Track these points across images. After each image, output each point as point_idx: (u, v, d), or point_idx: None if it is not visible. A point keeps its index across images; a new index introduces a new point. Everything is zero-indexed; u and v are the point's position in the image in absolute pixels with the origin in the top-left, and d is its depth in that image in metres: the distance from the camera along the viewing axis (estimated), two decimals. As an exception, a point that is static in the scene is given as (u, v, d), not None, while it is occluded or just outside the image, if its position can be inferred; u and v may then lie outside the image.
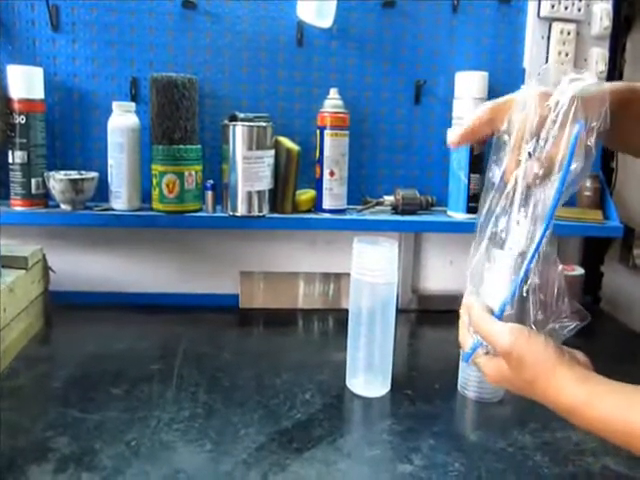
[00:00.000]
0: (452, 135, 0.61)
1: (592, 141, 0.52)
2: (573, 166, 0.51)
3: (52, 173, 1.12)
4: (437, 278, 1.32)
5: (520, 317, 0.54)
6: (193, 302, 1.24)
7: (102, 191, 1.15)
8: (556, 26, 1.23)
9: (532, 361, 0.52)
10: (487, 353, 0.56)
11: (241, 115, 1.12)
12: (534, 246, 0.53)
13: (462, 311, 0.59)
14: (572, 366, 0.51)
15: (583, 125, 0.51)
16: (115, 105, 1.13)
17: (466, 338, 0.58)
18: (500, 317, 0.54)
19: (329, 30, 1.19)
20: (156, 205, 1.14)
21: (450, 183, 1.22)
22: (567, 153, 0.51)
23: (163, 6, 1.17)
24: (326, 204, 1.18)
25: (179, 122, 1.11)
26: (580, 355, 0.54)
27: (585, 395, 0.49)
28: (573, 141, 0.51)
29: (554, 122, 0.53)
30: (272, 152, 1.15)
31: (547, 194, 0.53)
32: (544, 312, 0.54)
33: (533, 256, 0.53)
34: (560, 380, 0.51)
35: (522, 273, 0.53)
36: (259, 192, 1.14)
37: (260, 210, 1.15)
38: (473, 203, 1.19)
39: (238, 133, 1.11)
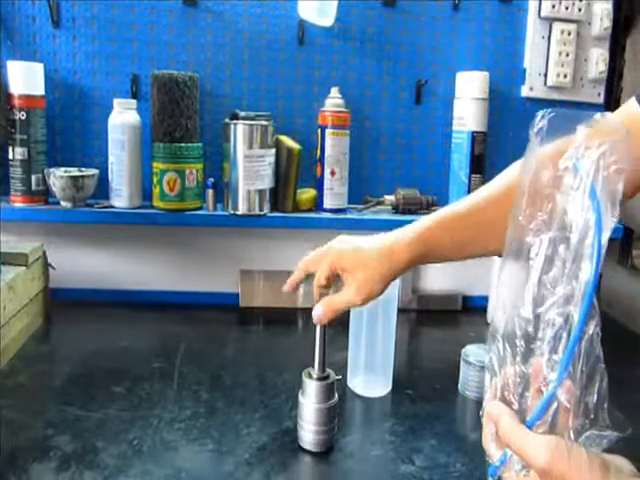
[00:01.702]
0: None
1: (619, 186, 0.47)
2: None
3: (52, 170, 1.12)
4: (437, 278, 1.32)
5: (554, 420, 0.48)
6: (193, 300, 1.24)
7: (103, 188, 1.15)
8: (557, 26, 1.23)
9: None
10: (523, 468, 0.49)
11: (242, 113, 1.12)
12: (571, 341, 0.47)
13: (485, 419, 0.53)
14: None
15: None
16: (116, 102, 1.12)
17: (492, 448, 0.52)
18: (530, 427, 0.48)
19: (330, 29, 1.19)
20: (157, 203, 1.14)
21: (451, 183, 1.22)
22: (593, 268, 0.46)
23: (164, 3, 1.17)
24: (327, 203, 1.18)
25: (180, 120, 1.11)
26: (624, 463, 0.48)
27: None
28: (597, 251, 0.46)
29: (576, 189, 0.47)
30: (273, 151, 1.15)
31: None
32: (583, 418, 0.48)
33: (571, 353, 0.47)
34: None
35: (558, 375, 0.47)
36: (260, 191, 1.14)
37: (261, 209, 1.15)
38: (474, 203, 1.19)
39: (239, 131, 1.11)
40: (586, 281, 0.46)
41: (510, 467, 0.50)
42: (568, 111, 0.52)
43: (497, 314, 0.54)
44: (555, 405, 0.48)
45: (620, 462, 0.47)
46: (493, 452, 0.52)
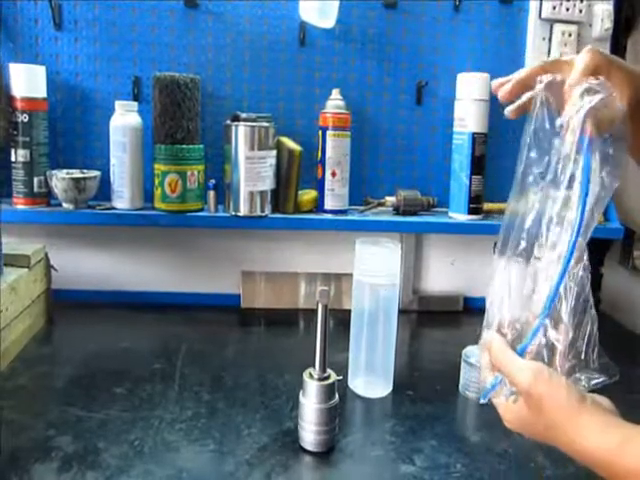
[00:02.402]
0: (502, 90, 0.59)
1: (611, 151, 0.50)
2: (591, 191, 0.49)
3: (54, 172, 1.12)
4: (438, 279, 1.32)
5: (548, 361, 0.51)
6: (195, 301, 1.25)
7: (104, 190, 1.15)
8: (557, 27, 1.23)
9: (552, 405, 0.48)
10: (512, 394, 0.53)
11: (243, 115, 1.12)
12: (557, 277, 0.49)
13: (481, 348, 0.56)
14: (596, 412, 0.48)
15: (590, 145, 0.50)
16: (117, 104, 1.13)
17: (486, 375, 0.55)
18: (522, 354, 0.51)
19: (331, 30, 1.19)
20: (158, 204, 1.14)
21: (451, 184, 1.22)
22: (583, 181, 0.50)
23: (165, 5, 1.17)
24: (328, 204, 1.18)
25: (181, 121, 1.11)
26: (605, 401, 0.50)
27: (615, 443, 0.45)
28: (586, 170, 0.50)
29: (566, 142, 0.51)
30: (274, 152, 1.15)
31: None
32: (572, 359, 0.51)
33: (557, 288, 0.50)
34: (584, 427, 0.47)
35: (546, 306, 0.50)
36: (261, 192, 1.14)
37: (262, 210, 1.15)
38: (474, 204, 1.20)
39: (240, 133, 1.11)
40: (574, 218, 0.49)
41: (500, 392, 0.54)
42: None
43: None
44: (544, 341, 0.51)
45: (600, 399, 0.50)
46: (487, 377, 0.55)
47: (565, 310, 0.50)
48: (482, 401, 0.57)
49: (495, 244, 1.11)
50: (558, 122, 0.52)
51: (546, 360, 0.51)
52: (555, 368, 0.51)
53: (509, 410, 0.53)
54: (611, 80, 0.52)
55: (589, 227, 0.50)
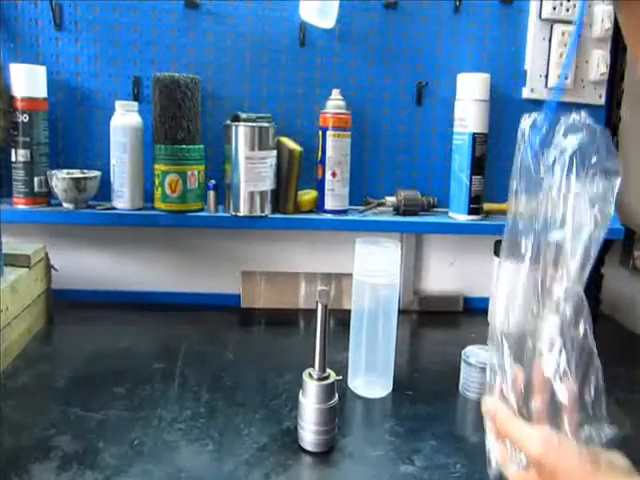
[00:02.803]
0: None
1: (601, 188, 0.50)
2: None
3: (55, 172, 1.12)
4: (438, 279, 1.32)
5: (554, 414, 0.50)
6: (195, 301, 1.25)
7: (104, 190, 1.16)
8: (557, 28, 1.23)
9: (565, 473, 0.47)
10: (523, 462, 0.51)
11: (244, 115, 1.12)
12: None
13: (484, 415, 0.55)
14: (611, 476, 0.46)
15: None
16: (118, 104, 1.13)
17: (492, 444, 0.54)
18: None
19: (332, 31, 1.19)
20: (158, 204, 1.14)
21: (452, 184, 1.22)
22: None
23: (166, 5, 1.17)
24: (328, 205, 1.18)
25: (182, 122, 1.11)
26: (618, 459, 0.48)
27: None
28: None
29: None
30: (274, 152, 1.15)
31: None
32: (579, 413, 0.49)
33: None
34: None
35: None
36: (261, 192, 1.14)
37: (262, 210, 1.15)
38: (475, 204, 1.20)
39: (240, 133, 1.11)
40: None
41: (511, 460, 0.52)
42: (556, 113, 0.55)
43: (496, 313, 0.55)
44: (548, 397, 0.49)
45: (614, 457, 0.48)
46: (493, 446, 0.54)
47: (569, 365, 0.49)
48: (490, 471, 0.56)
49: (495, 243, 1.11)
50: (544, 163, 0.52)
51: (553, 417, 0.50)
52: (563, 424, 0.50)
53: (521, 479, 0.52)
54: None
55: (585, 269, 0.49)
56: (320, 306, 0.72)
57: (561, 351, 0.49)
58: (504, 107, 1.26)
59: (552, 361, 0.49)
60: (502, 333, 0.54)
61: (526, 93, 1.26)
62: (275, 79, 1.22)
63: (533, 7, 1.23)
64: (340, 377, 0.77)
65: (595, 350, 0.49)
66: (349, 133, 1.17)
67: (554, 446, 0.48)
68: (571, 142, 0.50)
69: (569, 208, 0.49)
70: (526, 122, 0.56)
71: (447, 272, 1.32)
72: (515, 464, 0.52)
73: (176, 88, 1.10)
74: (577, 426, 0.49)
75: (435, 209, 1.25)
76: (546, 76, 1.25)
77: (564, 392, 0.49)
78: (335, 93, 1.17)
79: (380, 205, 1.23)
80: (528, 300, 0.53)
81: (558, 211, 0.50)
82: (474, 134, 1.18)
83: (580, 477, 0.46)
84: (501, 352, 0.54)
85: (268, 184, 1.15)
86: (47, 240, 1.13)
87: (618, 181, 0.50)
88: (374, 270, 0.86)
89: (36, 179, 1.12)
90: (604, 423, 0.49)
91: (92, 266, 1.23)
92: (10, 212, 1.11)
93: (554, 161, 0.50)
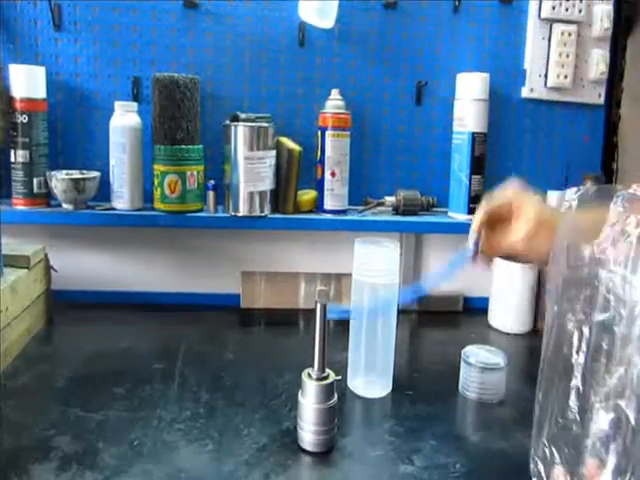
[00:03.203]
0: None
1: None
2: None
3: (54, 172, 1.12)
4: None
5: None
6: (194, 302, 1.25)
7: (104, 190, 1.16)
8: (557, 27, 1.23)
9: None
10: None
11: (243, 115, 1.12)
12: None
13: None
14: None
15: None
16: (117, 105, 1.13)
17: None
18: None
19: (331, 31, 1.19)
20: (158, 205, 1.14)
21: (451, 184, 1.22)
22: None
23: (165, 5, 1.17)
24: (327, 204, 1.18)
25: (181, 122, 1.11)
26: None
27: None
28: None
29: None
30: (274, 152, 1.15)
31: None
32: None
33: None
34: None
35: None
36: (261, 192, 1.14)
37: (262, 210, 1.15)
38: (474, 204, 1.20)
39: (240, 133, 1.11)
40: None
41: None
42: (600, 187, 0.50)
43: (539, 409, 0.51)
44: None
45: None
46: None
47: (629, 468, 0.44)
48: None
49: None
50: (598, 245, 0.46)
51: None
52: None
53: None
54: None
55: None
56: (319, 306, 0.72)
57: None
58: (503, 107, 1.26)
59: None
60: (547, 436, 0.49)
61: (525, 93, 1.26)
62: (274, 79, 1.22)
63: (532, 7, 1.23)
64: (339, 377, 0.77)
65: None
66: (348, 133, 1.17)
67: None
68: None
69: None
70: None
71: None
72: None
73: (175, 88, 1.10)
74: None
75: (435, 209, 1.25)
76: (545, 75, 1.25)
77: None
78: (334, 93, 1.17)
79: (379, 205, 1.23)
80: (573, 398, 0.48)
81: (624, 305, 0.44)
82: (473, 133, 1.18)
83: None
84: (547, 455, 0.49)
85: (267, 184, 1.15)
86: (47, 241, 1.13)
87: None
88: (373, 270, 0.86)
89: (35, 180, 1.12)
90: None
91: (92, 267, 1.23)
92: (9, 213, 1.11)
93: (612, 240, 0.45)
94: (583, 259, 0.47)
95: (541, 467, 0.50)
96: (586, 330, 0.46)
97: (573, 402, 0.47)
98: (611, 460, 0.44)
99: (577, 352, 0.47)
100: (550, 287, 0.51)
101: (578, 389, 0.47)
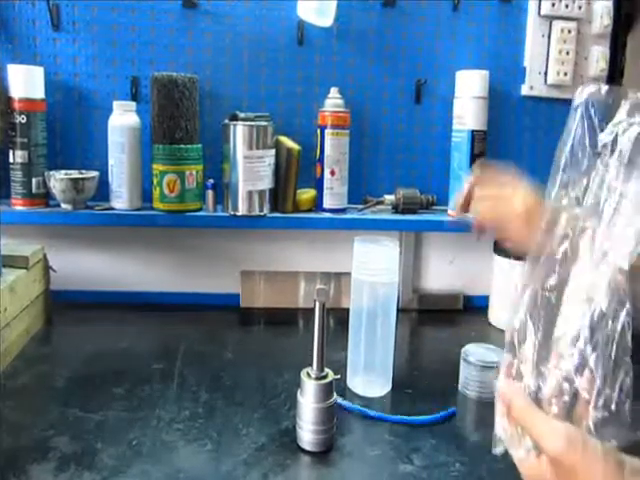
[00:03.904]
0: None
1: None
2: None
3: (53, 172, 1.12)
4: (438, 277, 1.32)
5: (573, 413, 0.47)
6: (194, 301, 1.24)
7: (103, 190, 1.15)
8: (557, 24, 1.23)
9: (587, 474, 0.44)
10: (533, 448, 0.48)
11: (242, 114, 1.12)
12: None
13: (498, 397, 0.52)
14: None
15: None
16: (116, 104, 1.13)
17: (503, 425, 0.51)
18: None
19: (330, 29, 1.19)
20: (157, 204, 1.14)
21: (451, 182, 1.22)
22: None
23: (164, 5, 1.17)
24: (327, 203, 1.18)
25: (180, 121, 1.11)
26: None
27: None
28: None
29: (611, 166, 0.46)
30: (273, 151, 1.15)
31: None
32: (602, 410, 0.46)
33: None
34: None
35: None
36: (260, 191, 1.14)
37: (261, 209, 1.15)
38: (474, 202, 1.19)
39: (239, 132, 1.11)
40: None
41: (519, 443, 0.49)
42: (611, 87, 0.51)
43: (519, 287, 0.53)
44: (567, 387, 0.47)
45: (637, 463, 0.45)
46: (500, 419, 0.51)
47: (596, 357, 0.46)
48: (495, 451, 0.53)
49: (495, 241, 1.10)
50: (601, 140, 0.48)
51: (568, 403, 0.47)
52: (583, 418, 0.47)
53: (531, 468, 0.49)
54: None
55: (629, 261, 0.45)
56: (318, 304, 0.72)
57: (588, 344, 0.46)
58: (503, 104, 1.26)
59: (576, 354, 0.46)
60: (527, 310, 0.51)
61: (525, 90, 1.26)
62: (273, 78, 1.21)
63: (532, 4, 1.23)
64: (338, 376, 0.76)
65: (629, 347, 0.46)
66: (348, 131, 1.17)
67: (577, 446, 0.45)
68: (638, 120, 0.45)
69: (631, 189, 0.45)
70: (584, 93, 0.51)
71: (447, 270, 1.32)
72: (523, 449, 0.49)
73: (174, 88, 1.10)
74: (597, 423, 0.46)
75: (434, 207, 1.24)
76: (545, 73, 1.25)
77: (585, 387, 0.46)
78: (333, 91, 1.16)
79: (379, 203, 1.23)
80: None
81: (612, 198, 0.46)
82: (473, 131, 1.18)
83: (603, 478, 0.44)
84: (522, 326, 0.51)
85: (267, 183, 1.14)
86: (45, 241, 1.13)
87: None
88: (373, 269, 0.86)
89: (34, 180, 1.12)
90: (627, 424, 0.46)
91: (91, 267, 1.23)
92: (8, 213, 1.10)
93: (615, 137, 0.46)
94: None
95: (515, 337, 0.52)
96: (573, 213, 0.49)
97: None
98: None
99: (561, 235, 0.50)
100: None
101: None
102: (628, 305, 0.45)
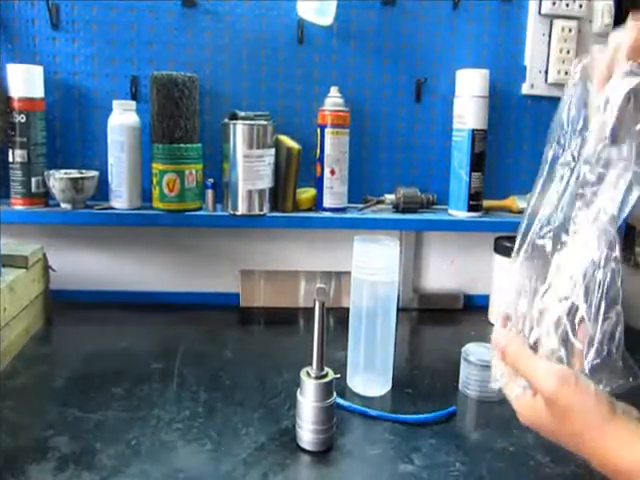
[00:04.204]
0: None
1: None
2: None
3: (52, 172, 1.12)
4: (438, 277, 1.31)
5: (566, 359, 0.48)
6: (194, 301, 1.24)
7: (102, 190, 1.15)
8: (557, 23, 1.22)
9: (580, 413, 0.46)
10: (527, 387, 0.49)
11: (242, 114, 1.11)
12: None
13: (493, 345, 0.53)
14: (628, 423, 0.45)
15: None
16: (115, 104, 1.12)
17: (497, 370, 0.52)
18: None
19: (330, 28, 1.19)
20: (156, 204, 1.14)
21: (451, 181, 1.22)
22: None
23: (163, 4, 1.17)
24: (327, 203, 1.18)
25: (179, 121, 1.11)
26: (634, 411, 0.47)
27: None
28: None
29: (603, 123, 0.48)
30: (273, 151, 1.15)
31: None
32: (594, 358, 0.47)
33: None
34: (613, 439, 0.45)
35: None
36: (260, 191, 1.13)
37: (261, 209, 1.14)
38: (474, 201, 1.19)
39: (239, 132, 1.11)
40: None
41: (512, 383, 0.50)
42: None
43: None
44: (560, 337, 0.48)
45: (628, 407, 0.47)
46: (496, 362, 0.52)
47: (589, 306, 0.47)
48: (493, 386, 0.55)
49: (496, 240, 1.10)
50: (594, 102, 0.50)
51: (564, 359, 0.49)
52: (573, 366, 0.48)
53: (526, 407, 0.50)
54: None
55: (620, 217, 0.47)
56: (318, 304, 0.72)
57: (580, 292, 0.47)
58: (503, 103, 1.26)
59: (568, 302, 0.47)
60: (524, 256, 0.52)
61: (526, 89, 1.25)
62: (273, 77, 1.21)
63: (532, 3, 1.23)
64: (338, 375, 0.76)
65: (620, 294, 0.47)
66: (348, 131, 1.17)
67: (570, 385, 0.46)
68: (629, 82, 0.47)
69: (623, 149, 0.46)
70: (581, 64, 0.54)
71: (447, 269, 1.31)
72: (519, 387, 0.50)
73: (174, 87, 1.10)
74: (589, 370, 0.47)
75: (435, 206, 1.24)
76: (546, 72, 1.24)
77: (580, 331, 0.47)
78: (333, 90, 1.16)
79: (379, 203, 1.22)
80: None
81: (603, 154, 0.48)
82: (473, 130, 1.17)
83: (595, 419, 0.45)
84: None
85: (266, 182, 1.14)
86: (45, 241, 1.13)
87: None
88: (373, 268, 0.86)
89: (34, 179, 1.12)
90: (619, 371, 0.47)
91: (90, 266, 1.23)
92: (8, 213, 1.10)
93: (606, 101, 0.48)
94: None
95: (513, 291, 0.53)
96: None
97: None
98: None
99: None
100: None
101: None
102: (617, 252, 0.47)
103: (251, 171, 1.12)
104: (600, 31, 1.23)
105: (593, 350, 0.47)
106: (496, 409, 0.86)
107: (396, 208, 1.22)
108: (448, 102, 1.22)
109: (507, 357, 0.51)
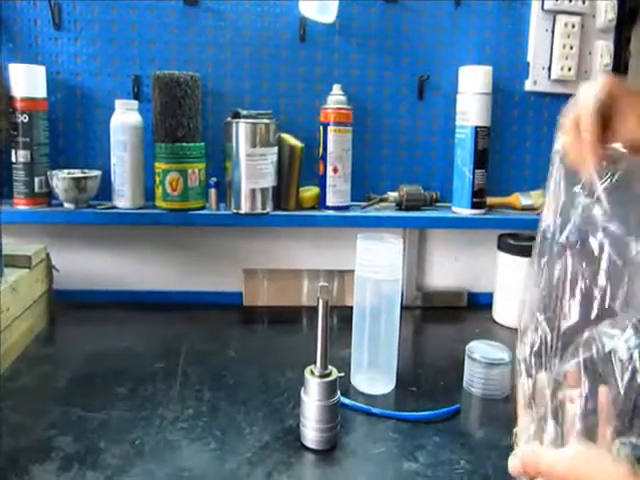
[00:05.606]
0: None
1: None
2: None
3: (55, 172, 1.12)
4: (442, 274, 1.31)
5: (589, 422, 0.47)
6: (197, 300, 1.24)
7: (105, 189, 1.15)
8: (560, 19, 1.22)
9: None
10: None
11: (244, 112, 1.11)
12: None
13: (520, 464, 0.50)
14: None
15: None
16: (118, 103, 1.12)
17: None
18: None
19: (332, 26, 1.19)
20: (159, 203, 1.14)
21: (454, 179, 1.21)
22: None
23: (165, 3, 1.16)
24: (330, 201, 1.17)
25: (182, 120, 1.11)
26: None
27: None
28: None
29: None
30: (275, 149, 1.15)
31: None
32: (618, 422, 0.45)
33: None
34: None
35: None
36: (262, 189, 1.13)
37: (263, 207, 1.14)
38: (478, 198, 1.19)
39: (241, 130, 1.10)
40: None
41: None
42: None
43: (525, 316, 0.53)
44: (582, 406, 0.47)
45: None
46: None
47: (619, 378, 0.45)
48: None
49: (499, 237, 1.09)
50: None
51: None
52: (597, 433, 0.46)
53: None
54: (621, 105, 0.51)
55: None
56: (321, 302, 0.72)
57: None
58: (507, 100, 1.25)
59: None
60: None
61: (529, 85, 1.25)
62: (275, 75, 1.21)
63: (535, -2, 1.22)
64: (342, 374, 0.76)
65: None
66: (350, 128, 1.16)
67: (587, 458, 0.45)
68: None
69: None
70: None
71: (451, 267, 1.31)
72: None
73: (176, 86, 1.10)
74: (612, 435, 0.46)
75: (438, 204, 1.24)
76: (549, 68, 1.24)
77: (601, 396, 0.46)
78: (336, 88, 1.16)
79: (382, 201, 1.22)
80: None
81: None
82: (476, 128, 1.17)
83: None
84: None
85: (269, 181, 1.14)
86: (48, 240, 1.13)
87: None
88: (376, 266, 0.86)
89: (36, 179, 1.12)
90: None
91: (93, 266, 1.23)
92: (11, 213, 1.10)
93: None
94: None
95: (522, 367, 0.53)
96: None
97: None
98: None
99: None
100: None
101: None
102: None
103: (254, 170, 1.12)
104: (603, 27, 1.23)
105: (614, 417, 0.46)
106: (500, 407, 0.86)
107: (399, 206, 1.21)
108: (451, 99, 1.22)
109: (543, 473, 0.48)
